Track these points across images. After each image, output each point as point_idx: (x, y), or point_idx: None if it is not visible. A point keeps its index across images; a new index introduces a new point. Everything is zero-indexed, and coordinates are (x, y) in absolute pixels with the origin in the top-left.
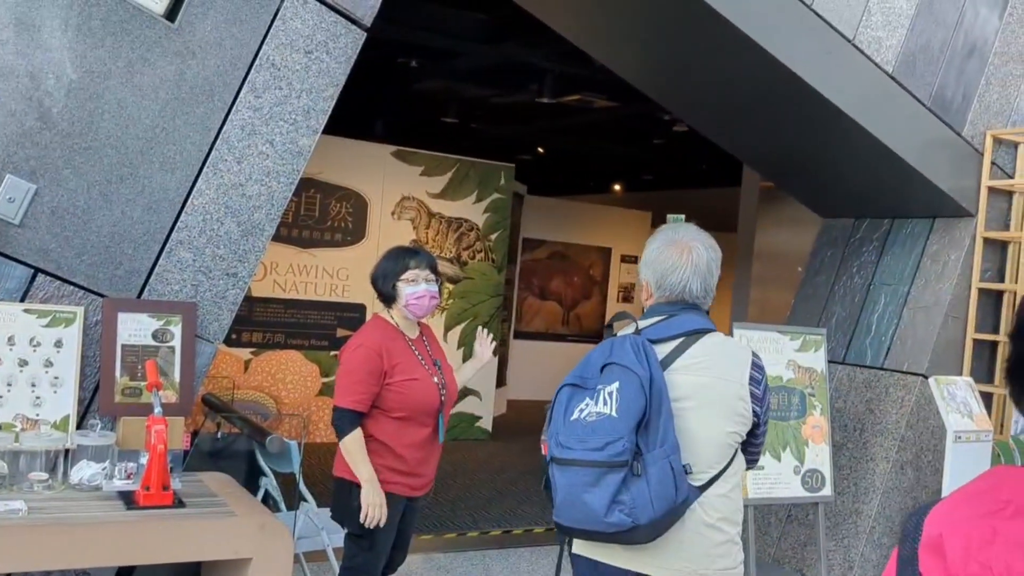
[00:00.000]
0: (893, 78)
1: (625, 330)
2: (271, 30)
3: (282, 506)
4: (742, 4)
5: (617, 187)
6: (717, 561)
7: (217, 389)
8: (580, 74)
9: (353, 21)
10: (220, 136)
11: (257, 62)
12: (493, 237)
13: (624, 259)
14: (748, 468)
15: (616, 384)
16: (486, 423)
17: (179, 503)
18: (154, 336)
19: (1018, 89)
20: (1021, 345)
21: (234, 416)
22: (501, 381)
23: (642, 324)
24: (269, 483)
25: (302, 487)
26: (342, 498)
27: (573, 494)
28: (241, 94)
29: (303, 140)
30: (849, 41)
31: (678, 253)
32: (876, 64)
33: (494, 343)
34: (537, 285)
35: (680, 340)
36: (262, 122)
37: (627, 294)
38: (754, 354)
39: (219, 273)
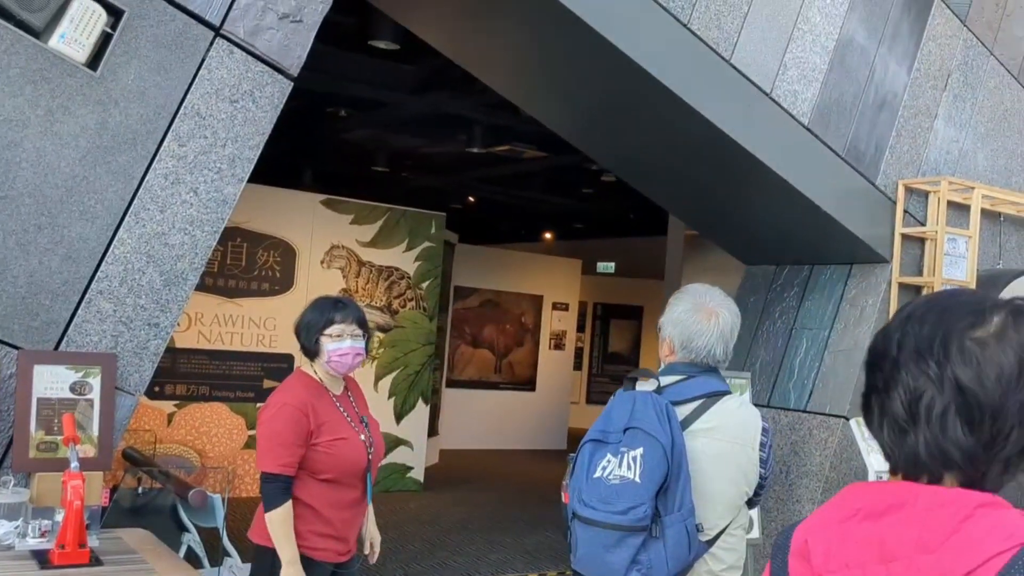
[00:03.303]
0: (809, 130)
1: (645, 385)
2: (196, 79)
3: (205, 562)
4: (664, 58)
5: (548, 235)
6: None
7: (139, 443)
8: (509, 125)
9: (279, 71)
10: (143, 185)
11: (182, 111)
12: (424, 285)
13: (556, 307)
14: (750, 508)
15: (640, 450)
16: (418, 474)
17: (96, 561)
18: (72, 389)
19: (927, 141)
20: (870, 376)
21: (155, 470)
22: (433, 431)
23: (664, 381)
24: (192, 538)
25: (226, 542)
26: (263, 567)
27: (595, 552)
28: (165, 143)
29: (228, 189)
30: (767, 94)
31: (705, 318)
32: (793, 116)
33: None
34: (469, 333)
35: (699, 402)
36: (186, 171)
37: (559, 341)
38: (763, 418)
39: (140, 323)
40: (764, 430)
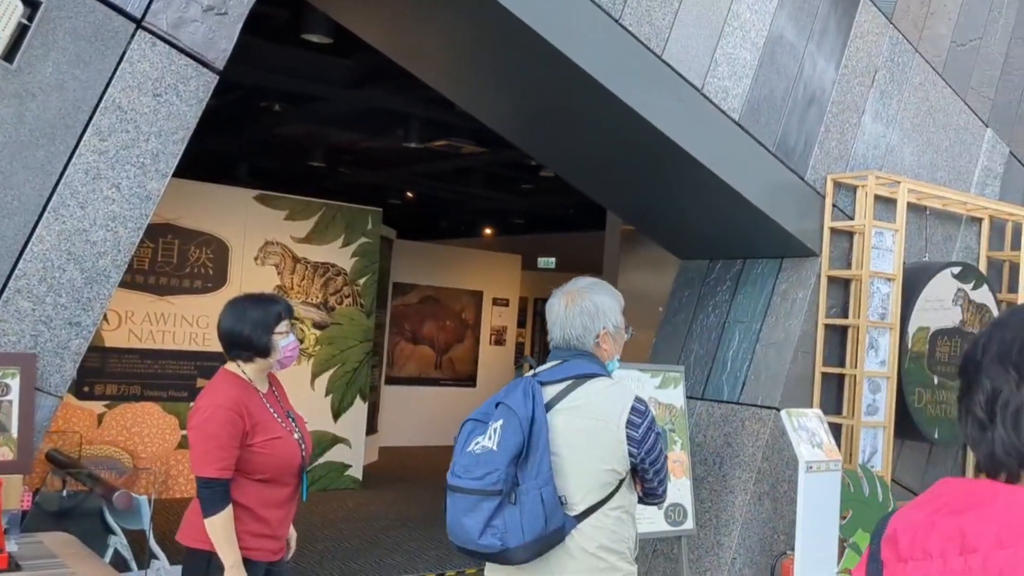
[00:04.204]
0: (740, 125)
1: (527, 373)
2: (117, 72)
3: (133, 565)
4: (595, 53)
5: (488, 231)
6: None
7: (66, 445)
8: (447, 120)
9: (204, 64)
10: (62, 180)
11: (102, 104)
12: (361, 282)
13: (496, 302)
14: (649, 503)
15: (501, 421)
16: (356, 472)
17: (15, 566)
18: None
19: (854, 136)
20: (960, 379)
21: (80, 472)
22: (372, 428)
23: (544, 367)
24: (119, 541)
25: (153, 544)
26: (196, 570)
27: (455, 517)
28: (85, 137)
29: (152, 184)
30: (698, 90)
31: (565, 303)
32: (724, 112)
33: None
34: (409, 330)
35: (568, 383)
36: (108, 166)
37: (499, 337)
38: (638, 399)
39: (61, 322)
40: (636, 410)
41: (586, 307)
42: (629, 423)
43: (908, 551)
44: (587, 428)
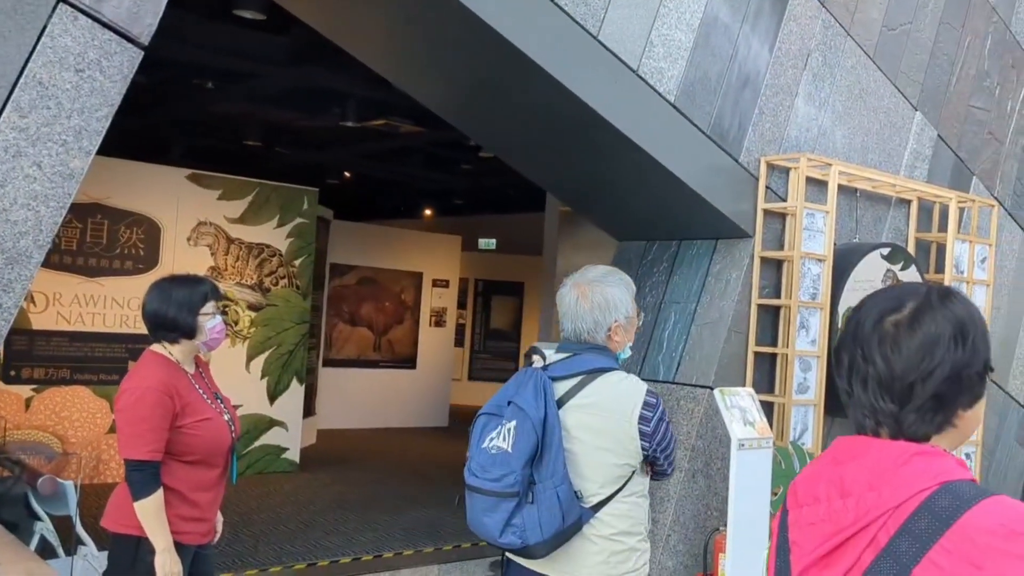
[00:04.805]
0: (675, 107)
1: (536, 364)
2: (37, 47)
3: (60, 551)
4: (531, 33)
5: (428, 212)
6: (616, 568)
7: None
8: (384, 99)
9: (128, 39)
10: None
11: (22, 80)
12: (297, 263)
13: (436, 283)
14: (657, 480)
15: (514, 423)
16: (293, 455)
17: None
18: None
19: (787, 118)
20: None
21: (5, 458)
22: (309, 411)
23: (555, 358)
24: (45, 527)
25: (80, 530)
26: (125, 556)
27: (475, 516)
28: (4, 114)
29: (75, 162)
30: (633, 71)
31: (575, 296)
32: (659, 94)
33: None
34: (347, 311)
35: (579, 379)
36: (28, 143)
37: (439, 318)
38: (649, 392)
39: None
40: (648, 404)
41: (597, 302)
42: (641, 418)
43: (803, 497)
44: (599, 425)
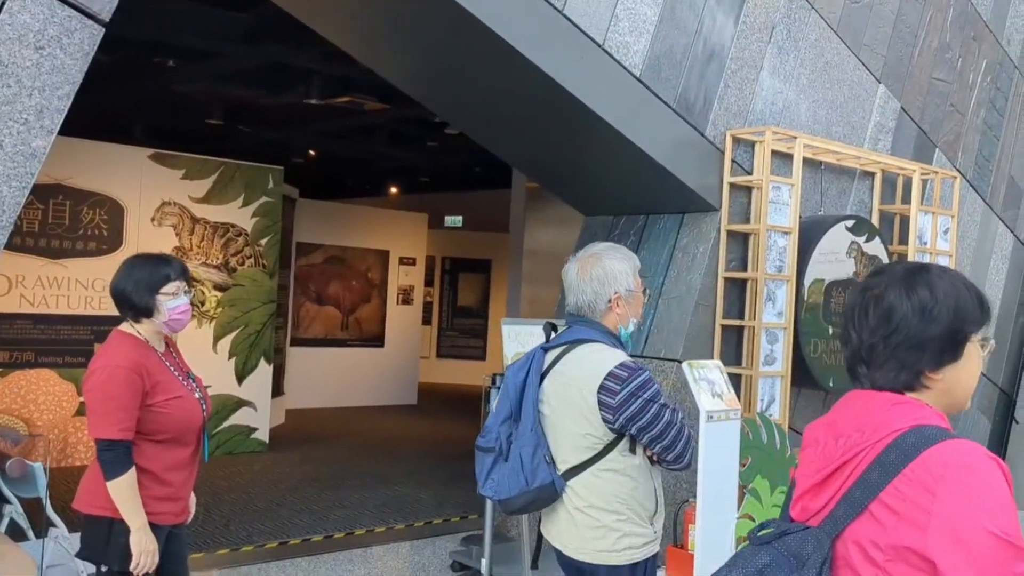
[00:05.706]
0: (641, 82)
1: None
2: None
3: (30, 534)
4: (496, 7)
5: (394, 189)
6: (591, 543)
7: None
8: (349, 76)
9: (89, 15)
10: None
11: None
12: (263, 242)
13: (403, 261)
14: (670, 469)
15: (503, 387)
16: (262, 435)
17: None
18: None
19: (753, 92)
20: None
21: None
22: (278, 391)
23: (561, 329)
24: (14, 510)
25: (50, 512)
26: (98, 537)
27: (477, 469)
28: None
29: (37, 142)
30: (599, 46)
31: (577, 271)
32: (625, 68)
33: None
34: (314, 290)
35: (563, 348)
36: None
37: (406, 296)
38: (621, 366)
39: None
40: (614, 375)
41: (596, 274)
42: (603, 388)
43: (807, 441)
44: (568, 393)
